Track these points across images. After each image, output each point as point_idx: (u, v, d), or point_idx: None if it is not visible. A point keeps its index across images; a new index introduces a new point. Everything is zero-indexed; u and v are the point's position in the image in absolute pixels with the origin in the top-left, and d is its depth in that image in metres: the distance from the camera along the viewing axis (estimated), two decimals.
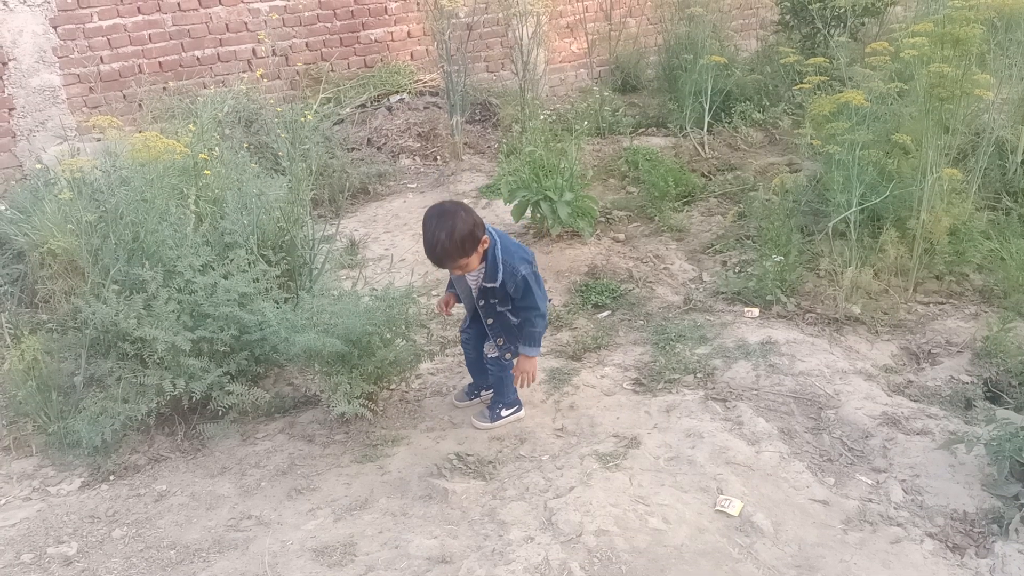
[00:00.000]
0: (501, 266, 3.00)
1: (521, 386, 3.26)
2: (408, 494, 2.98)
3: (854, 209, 3.99)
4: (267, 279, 3.44)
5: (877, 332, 3.84)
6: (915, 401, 3.34)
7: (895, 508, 2.79)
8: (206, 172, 3.84)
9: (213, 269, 3.38)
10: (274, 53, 6.80)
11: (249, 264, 3.45)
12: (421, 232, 2.92)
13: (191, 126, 4.18)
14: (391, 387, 3.51)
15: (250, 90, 6.15)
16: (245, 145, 4.85)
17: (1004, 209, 4.50)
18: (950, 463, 2.94)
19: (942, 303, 4.02)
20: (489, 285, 3.02)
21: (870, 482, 2.92)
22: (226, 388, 3.24)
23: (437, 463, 3.12)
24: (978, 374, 3.50)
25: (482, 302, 3.13)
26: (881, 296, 4.02)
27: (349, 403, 3.11)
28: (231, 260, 3.41)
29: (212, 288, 3.31)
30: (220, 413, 3.32)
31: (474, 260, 2.94)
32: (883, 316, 3.91)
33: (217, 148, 4.10)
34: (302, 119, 4.53)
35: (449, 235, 2.84)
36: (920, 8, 5.91)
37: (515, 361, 3.25)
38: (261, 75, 6.54)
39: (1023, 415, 3.16)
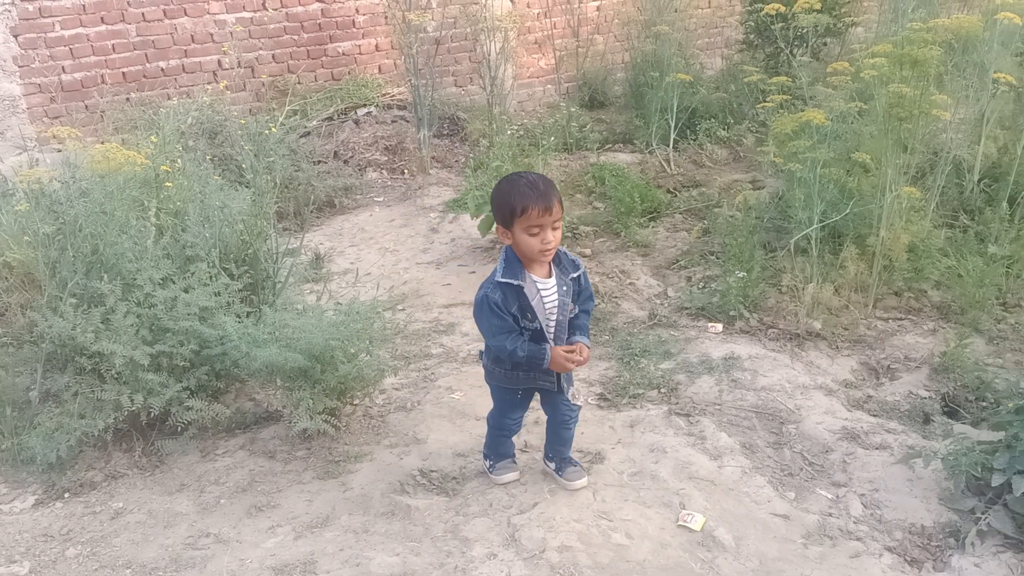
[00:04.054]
0: (566, 253, 2.74)
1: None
2: (370, 511, 2.95)
3: (815, 226, 4.05)
4: (229, 293, 3.40)
5: (838, 347, 3.89)
6: (874, 416, 3.39)
7: (855, 522, 2.82)
8: (168, 184, 3.79)
9: (173, 282, 3.33)
10: (240, 65, 6.76)
11: (210, 277, 3.40)
12: (506, 193, 2.55)
13: (153, 138, 4.13)
14: (354, 402, 3.48)
15: (214, 102, 6.10)
16: (208, 157, 4.80)
17: (961, 227, 4.59)
18: (908, 477, 2.98)
19: (901, 319, 4.09)
20: (576, 274, 2.72)
21: (830, 496, 2.95)
22: (185, 403, 3.19)
23: (400, 479, 3.09)
24: (936, 389, 3.56)
25: (562, 317, 2.72)
26: (842, 312, 4.08)
27: (311, 419, 3.07)
28: (192, 273, 3.36)
29: (172, 302, 3.26)
30: (179, 429, 3.27)
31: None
32: (843, 332, 3.96)
33: (179, 160, 4.06)
34: (267, 131, 4.51)
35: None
36: (881, 29, 6.04)
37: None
38: (225, 87, 6.49)
39: (979, 430, 3.21)
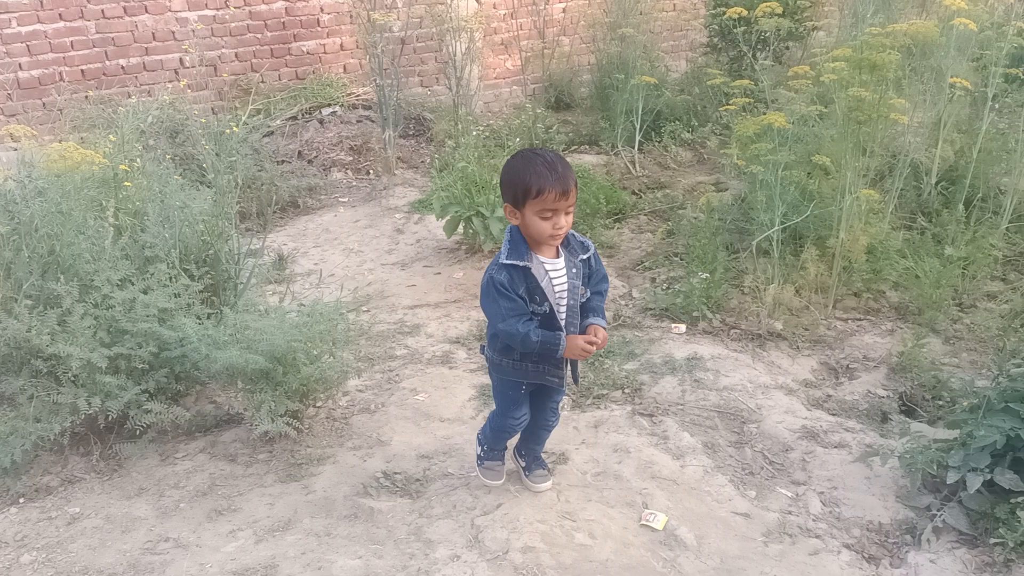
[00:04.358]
0: (574, 235, 2.59)
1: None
2: (333, 514, 2.92)
3: (776, 228, 4.10)
4: (189, 294, 3.36)
5: (798, 347, 3.94)
6: (833, 415, 3.44)
7: (814, 520, 2.85)
8: (127, 184, 3.73)
9: (132, 283, 3.28)
10: (202, 63, 6.68)
11: (170, 278, 3.36)
12: (521, 171, 2.41)
13: (112, 136, 4.06)
14: (317, 404, 3.45)
15: (176, 100, 6.02)
16: (169, 157, 4.74)
17: (919, 229, 4.67)
18: (866, 475, 3.03)
19: (860, 319, 4.15)
20: (585, 256, 2.58)
21: (790, 495, 2.99)
22: (144, 406, 3.14)
23: (364, 482, 3.07)
24: (894, 388, 3.62)
25: (572, 301, 2.58)
26: (802, 312, 4.13)
27: (273, 421, 3.04)
28: (151, 274, 3.31)
29: (131, 303, 3.21)
30: (138, 432, 3.21)
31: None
32: (804, 332, 4.02)
33: (139, 159, 4.00)
34: (229, 130, 4.45)
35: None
36: (841, 33, 6.13)
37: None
38: (185, 85, 6.41)
39: (935, 428, 3.27)
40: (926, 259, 4.28)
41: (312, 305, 3.36)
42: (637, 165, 6.33)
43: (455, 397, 3.62)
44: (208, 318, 3.37)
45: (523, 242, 2.51)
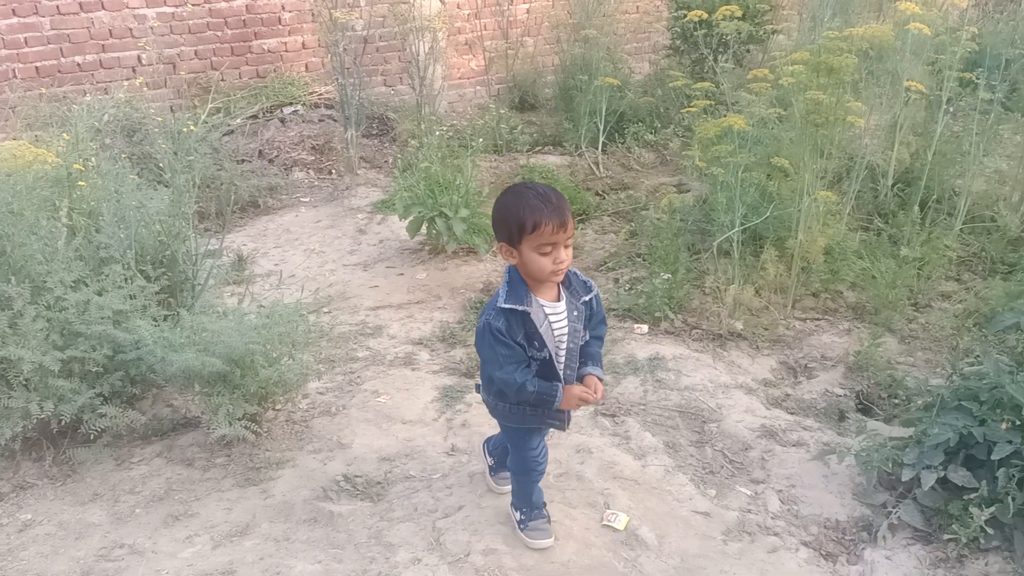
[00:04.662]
0: (576, 274, 2.47)
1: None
2: (292, 518, 2.89)
3: (737, 229, 4.14)
4: (145, 296, 3.30)
5: (758, 347, 3.98)
6: (792, 414, 3.48)
7: (772, 518, 2.88)
8: (81, 183, 3.66)
9: (86, 285, 3.21)
10: (160, 61, 6.57)
11: (126, 280, 3.29)
12: (513, 207, 2.27)
13: (66, 135, 3.98)
14: (276, 407, 3.41)
15: (132, 98, 5.92)
16: (125, 156, 4.65)
17: (875, 230, 4.75)
18: (823, 473, 3.07)
19: (818, 319, 4.21)
20: (587, 297, 2.46)
21: (749, 493, 3.02)
22: (99, 410, 3.08)
23: (324, 485, 3.04)
24: (850, 387, 3.67)
25: (572, 345, 2.46)
26: (762, 312, 4.17)
27: (230, 425, 3.00)
28: (106, 276, 3.25)
29: (85, 305, 3.14)
30: (92, 437, 3.15)
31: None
32: (764, 332, 4.06)
33: (94, 158, 3.92)
34: (187, 129, 4.39)
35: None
36: (800, 37, 6.22)
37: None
38: (141, 83, 6.31)
39: (891, 426, 3.32)
40: (882, 260, 4.35)
41: (272, 306, 3.32)
42: (601, 166, 6.36)
43: (417, 399, 3.60)
44: (165, 320, 3.31)
45: (522, 283, 2.35)
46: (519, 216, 2.25)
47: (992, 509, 2.57)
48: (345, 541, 2.77)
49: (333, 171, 6.44)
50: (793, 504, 2.95)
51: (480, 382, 2.62)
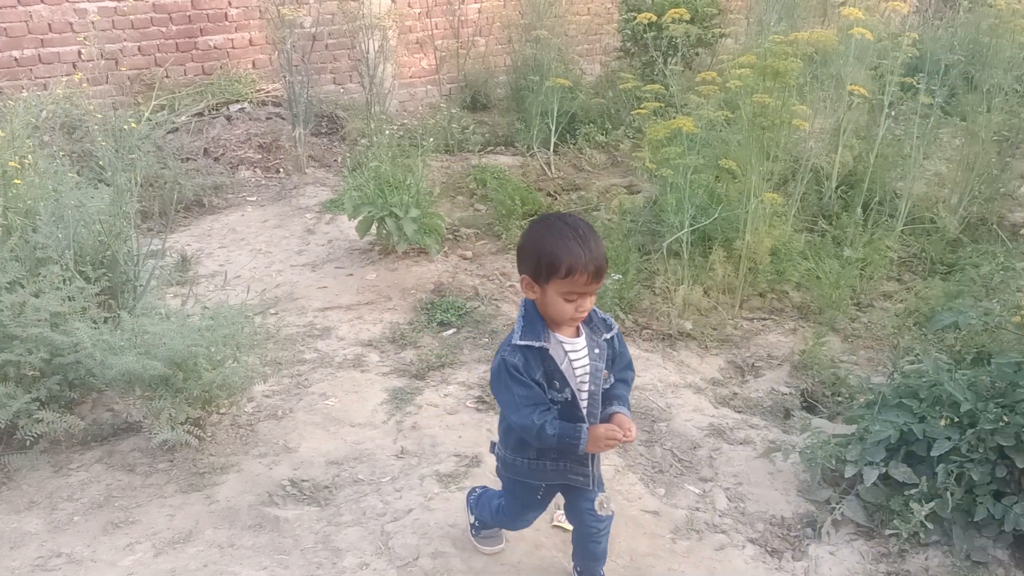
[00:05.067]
0: (596, 311, 2.27)
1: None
2: (237, 524, 2.83)
3: (686, 230, 4.18)
4: (84, 297, 3.20)
5: (707, 347, 4.02)
6: (739, 412, 3.52)
7: (720, 516, 2.91)
8: (16, 181, 3.55)
9: (22, 286, 3.11)
10: (102, 56, 6.40)
11: (64, 281, 3.20)
12: (549, 244, 2.07)
13: (1, 131, 3.85)
14: (221, 411, 3.34)
15: (72, 95, 5.76)
16: (64, 153, 4.52)
17: (820, 231, 4.84)
18: (770, 471, 3.11)
19: (765, 319, 4.27)
20: (608, 335, 2.26)
21: (697, 491, 3.05)
22: (35, 416, 2.98)
23: (269, 490, 2.99)
24: (796, 385, 3.74)
25: (595, 386, 2.24)
26: (711, 312, 4.22)
27: (173, 429, 2.93)
28: (43, 277, 3.15)
29: (20, 307, 3.04)
30: (28, 443, 3.05)
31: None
32: (712, 331, 4.11)
33: (31, 156, 3.80)
34: (129, 126, 4.29)
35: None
36: (748, 41, 6.31)
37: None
38: (81, 79, 6.14)
39: (835, 424, 3.39)
40: (826, 260, 4.44)
41: (216, 308, 3.26)
42: (552, 167, 6.37)
43: (367, 401, 3.56)
44: (105, 322, 3.22)
45: (539, 319, 2.17)
46: (554, 256, 2.05)
47: (932, 504, 2.64)
48: (291, 547, 2.73)
49: (281, 170, 6.34)
50: (740, 502, 2.98)
51: (496, 438, 2.42)
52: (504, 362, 2.15)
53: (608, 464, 3.15)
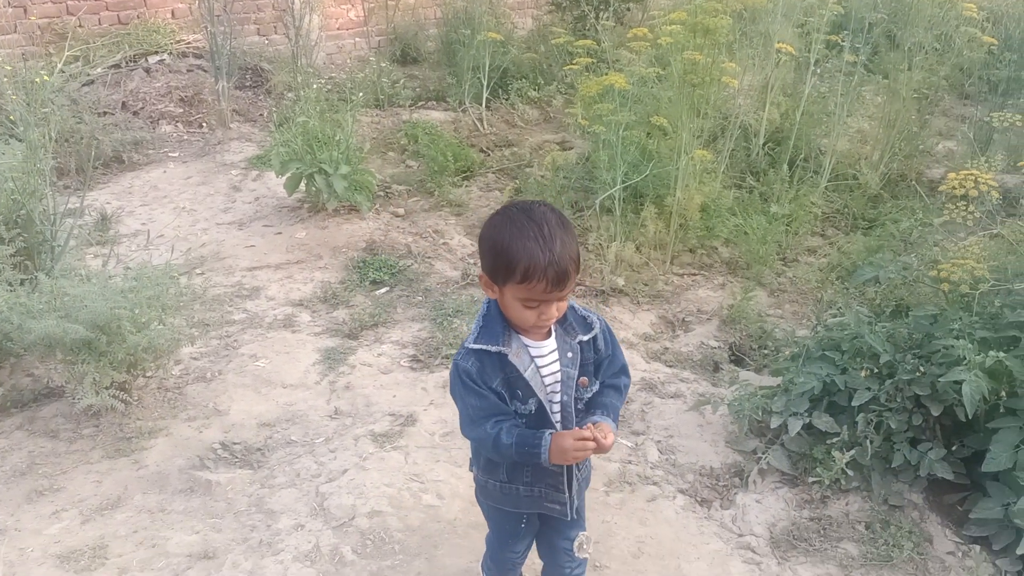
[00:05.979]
0: (574, 308, 1.94)
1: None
2: (167, 489, 2.79)
3: (618, 187, 4.20)
4: None
5: (639, 302, 4.08)
6: (670, 367, 3.59)
7: (651, 468, 2.99)
8: None
9: None
10: (8, 4, 6.04)
11: None
12: (505, 241, 1.73)
13: None
14: (147, 375, 3.26)
15: None
16: None
17: (748, 188, 4.92)
18: (699, 423, 3.19)
19: (695, 274, 4.35)
20: (586, 337, 1.91)
21: (630, 444, 3.11)
22: None
23: (200, 454, 2.94)
24: (724, 339, 3.82)
25: (567, 396, 1.90)
26: (642, 268, 4.27)
27: (97, 394, 2.85)
28: None
29: None
30: None
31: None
32: (644, 287, 4.16)
33: None
34: (40, 79, 4.08)
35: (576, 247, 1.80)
36: None
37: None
38: None
39: (762, 376, 3.49)
40: (754, 216, 4.53)
41: (139, 268, 3.15)
42: (485, 123, 6.31)
43: (298, 362, 3.52)
44: (21, 284, 3.09)
45: (501, 320, 1.86)
46: (510, 257, 1.72)
47: (852, 452, 2.74)
48: (224, 510, 2.69)
49: (204, 125, 6.13)
50: (671, 454, 3.06)
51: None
52: (457, 367, 1.86)
53: None
